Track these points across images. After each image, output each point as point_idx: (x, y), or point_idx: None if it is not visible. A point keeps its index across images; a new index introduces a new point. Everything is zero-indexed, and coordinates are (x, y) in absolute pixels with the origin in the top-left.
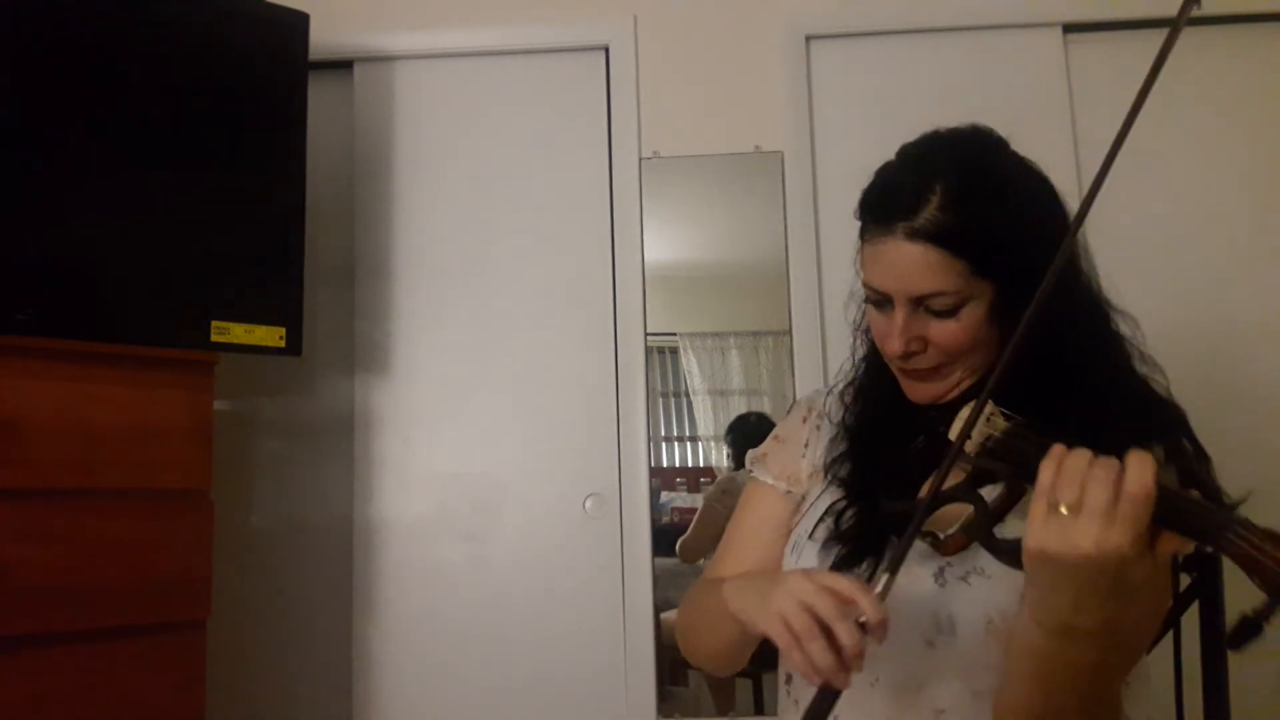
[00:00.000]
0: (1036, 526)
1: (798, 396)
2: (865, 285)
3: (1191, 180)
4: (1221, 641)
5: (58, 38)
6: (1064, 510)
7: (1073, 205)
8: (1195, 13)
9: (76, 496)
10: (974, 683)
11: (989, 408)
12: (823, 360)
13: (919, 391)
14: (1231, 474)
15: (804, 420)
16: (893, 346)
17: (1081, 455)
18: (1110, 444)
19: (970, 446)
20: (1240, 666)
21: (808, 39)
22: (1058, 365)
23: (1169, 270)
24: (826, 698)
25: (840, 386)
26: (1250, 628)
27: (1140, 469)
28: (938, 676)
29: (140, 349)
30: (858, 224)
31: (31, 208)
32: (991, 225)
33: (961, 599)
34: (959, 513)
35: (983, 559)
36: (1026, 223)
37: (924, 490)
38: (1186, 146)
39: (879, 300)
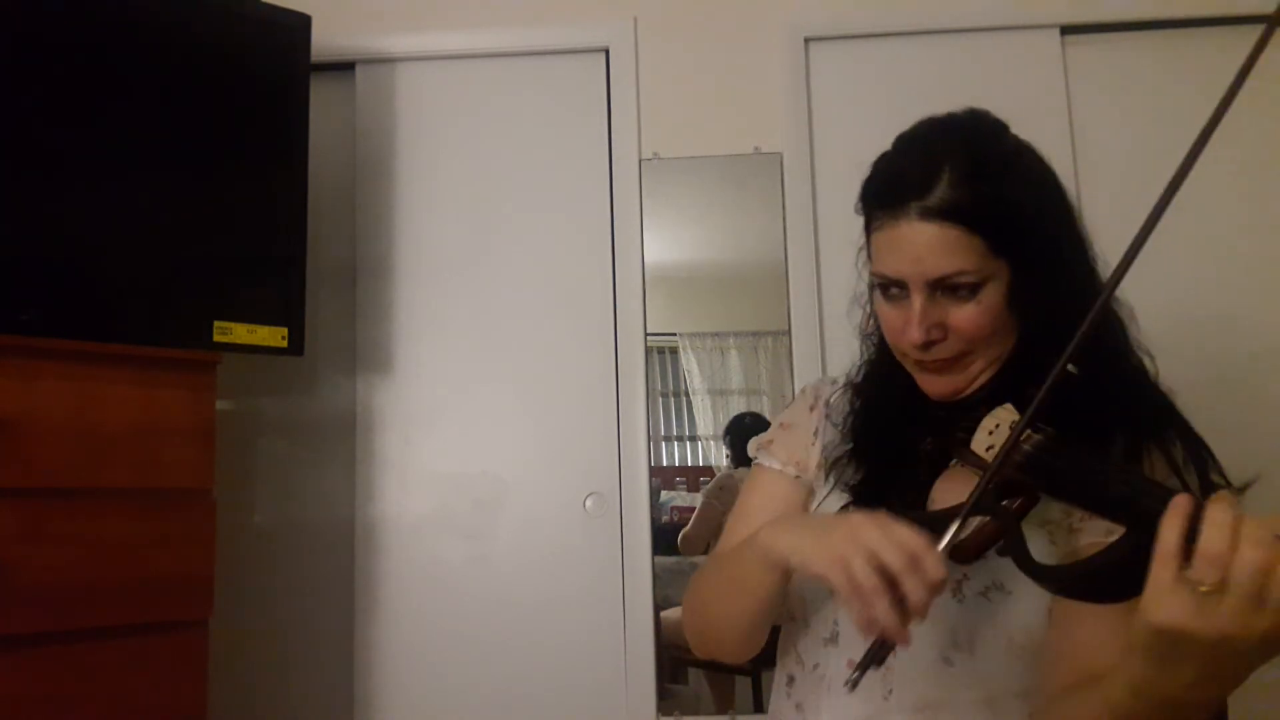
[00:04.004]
0: (1165, 597)
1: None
2: (877, 275)
3: (1191, 180)
4: None
5: (61, 39)
6: (1205, 590)
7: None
8: (1197, 14)
9: (79, 496)
10: (994, 702)
11: (1012, 415)
12: (821, 360)
13: (937, 385)
14: (1233, 473)
15: (811, 409)
16: (912, 335)
17: (1222, 526)
18: (1110, 435)
19: (989, 454)
20: None
21: (807, 41)
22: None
23: (1168, 270)
24: (883, 649)
25: (844, 383)
26: None
27: None
28: (956, 696)
29: (143, 349)
30: (859, 219)
31: (35, 209)
32: (1004, 201)
33: (981, 616)
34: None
35: (1003, 574)
36: (1037, 199)
37: (949, 533)
38: (1186, 147)
39: (893, 291)
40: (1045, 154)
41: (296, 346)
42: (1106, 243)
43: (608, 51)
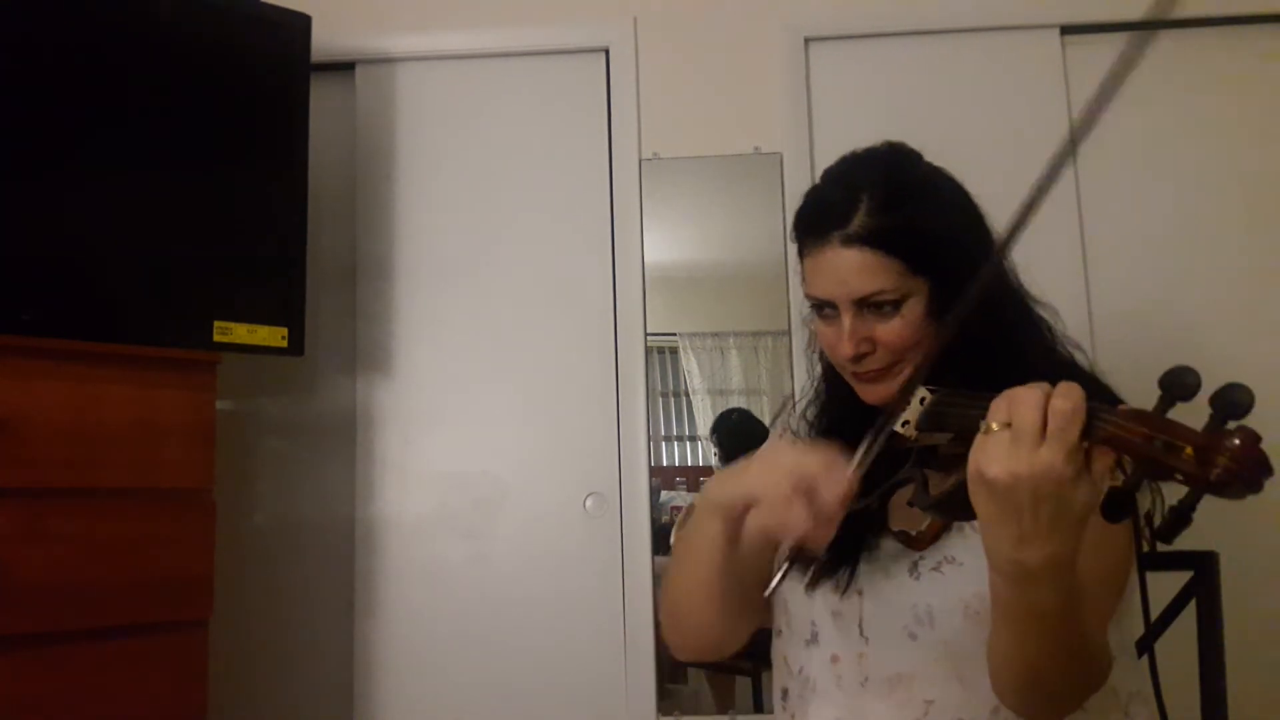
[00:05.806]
0: (975, 450)
1: (797, 397)
2: (810, 297)
3: (1191, 180)
4: (1219, 640)
5: (61, 40)
6: (995, 428)
7: (1078, 211)
8: (1196, 14)
9: (79, 496)
10: (959, 669)
11: (922, 392)
12: None
13: (872, 393)
14: None
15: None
16: (843, 350)
17: (1031, 387)
18: None
19: (911, 430)
20: (1238, 665)
21: (807, 41)
22: (984, 347)
23: (1168, 270)
24: (802, 552)
25: (803, 405)
26: (1122, 499)
27: (1066, 387)
28: (923, 668)
29: (143, 349)
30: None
31: (35, 209)
32: (918, 225)
33: (937, 589)
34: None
35: (953, 548)
36: (949, 220)
37: (856, 457)
38: (1186, 147)
39: (826, 311)
40: (1044, 156)
41: (296, 346)
42: (1107, 241)
43: (608, 51)
